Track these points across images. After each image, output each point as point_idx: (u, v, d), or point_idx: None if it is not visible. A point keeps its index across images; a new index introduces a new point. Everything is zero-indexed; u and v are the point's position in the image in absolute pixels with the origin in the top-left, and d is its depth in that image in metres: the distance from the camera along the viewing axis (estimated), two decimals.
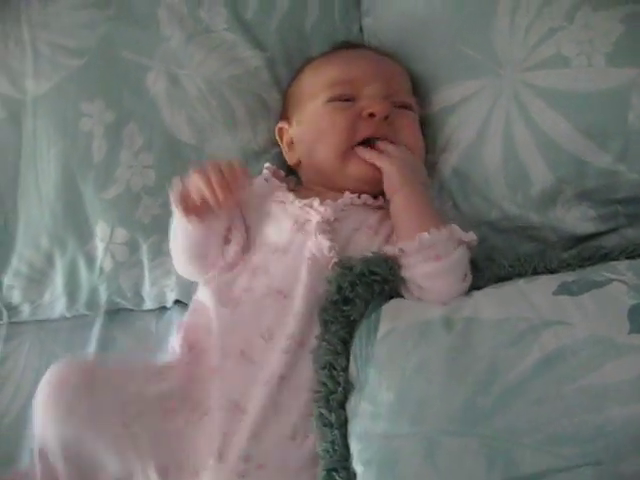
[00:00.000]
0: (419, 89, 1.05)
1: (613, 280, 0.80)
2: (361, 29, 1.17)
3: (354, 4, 1.18)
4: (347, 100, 1.00)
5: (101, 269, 1.09)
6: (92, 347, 1.11)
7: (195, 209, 0.89)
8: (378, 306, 0.85)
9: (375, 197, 0.99)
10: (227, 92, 1.10)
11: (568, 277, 0.84)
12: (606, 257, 0.90)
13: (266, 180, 1.03)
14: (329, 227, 0.93)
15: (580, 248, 0.95)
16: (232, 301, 0.92)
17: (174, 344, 0.95)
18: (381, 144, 0.97)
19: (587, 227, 0.95)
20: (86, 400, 0.82)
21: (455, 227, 0.88)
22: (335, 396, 0.80)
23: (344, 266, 0.86)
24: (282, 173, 1.07)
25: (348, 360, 0.82)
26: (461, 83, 1.00)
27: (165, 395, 0.87)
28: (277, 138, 1.09)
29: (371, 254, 0.88)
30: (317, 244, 0.91)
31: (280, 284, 0.91)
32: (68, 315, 1.15)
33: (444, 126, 1.00)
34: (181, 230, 0.95)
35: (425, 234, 0.86)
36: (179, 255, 1.00)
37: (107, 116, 1.08)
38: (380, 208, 0.99)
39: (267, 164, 1.06)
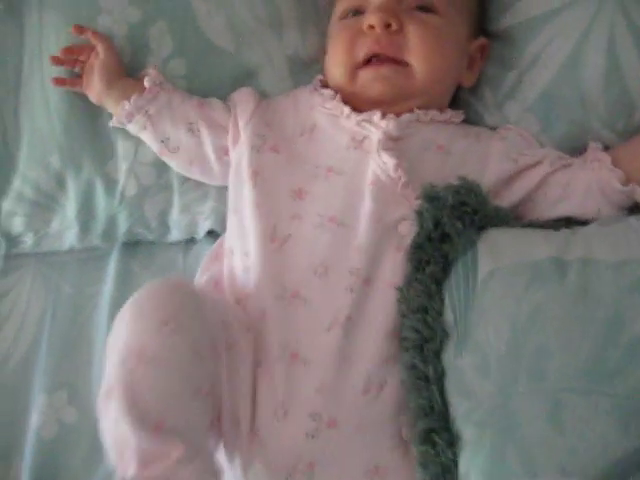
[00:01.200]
0: None
1: None
2: None
3: None
4: (357, 13, 0.86)
5: (122, 194, 0.93)
6: (108, 285, 0.97)
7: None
8: (472, 242, 0.73)
9: (441, 110, 0.87)
10: None
11: None
12: None
13: (315, 89, 0.89)
14: (393, 145, 0.81)
15: None
16: (280, 233, 0.80)
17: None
18: None
19: None
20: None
21: None
22: (431, 345, 0.69)
23: (431, 196, 0.74)
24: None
25: (442, 303, 0.71)
26: None
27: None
28: None
29: (457, 182, 0.76)
30: (381, 163, 0.80)
31: (334, 211, 0.79)
32: (78, 247, 0.99)
33: (533, 40, 0.85)
34: None
35: None
36: None
37: (130, 13, 0.90)
38: (449, 123, 0.87)
39: (320, 76, 0.92)
